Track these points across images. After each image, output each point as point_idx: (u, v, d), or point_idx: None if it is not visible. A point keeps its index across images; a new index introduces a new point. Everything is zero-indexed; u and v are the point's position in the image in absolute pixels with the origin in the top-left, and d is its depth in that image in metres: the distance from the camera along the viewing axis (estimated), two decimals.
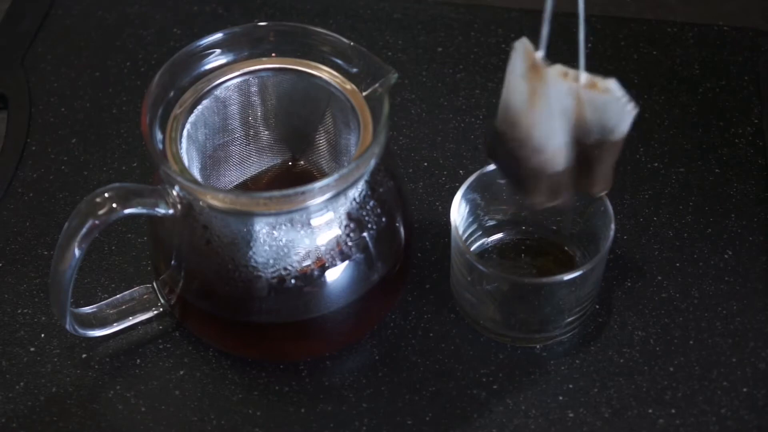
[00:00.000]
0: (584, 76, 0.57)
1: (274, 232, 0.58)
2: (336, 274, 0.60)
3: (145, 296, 0.65)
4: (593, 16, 0.80)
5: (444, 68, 0.77)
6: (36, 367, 0.64)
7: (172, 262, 0.62)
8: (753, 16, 0.82)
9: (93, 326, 0.63)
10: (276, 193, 0.56)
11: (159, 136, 0.59)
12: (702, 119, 0.74)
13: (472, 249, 0.65)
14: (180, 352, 0.64)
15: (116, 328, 0.64)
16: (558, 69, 0.57)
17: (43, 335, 0.65)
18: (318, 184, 0.56)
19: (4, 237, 0.69)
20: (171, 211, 0.58)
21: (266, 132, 0.66)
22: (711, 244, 0.68)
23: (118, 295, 0.65)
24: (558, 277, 0.60)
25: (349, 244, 0.60)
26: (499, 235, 0.67)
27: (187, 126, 0.61)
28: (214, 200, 0.57)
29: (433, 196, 0.70)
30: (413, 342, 0.64)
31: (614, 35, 0.78)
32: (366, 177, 0.59)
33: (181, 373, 0.63)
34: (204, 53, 0.62)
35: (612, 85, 0.57)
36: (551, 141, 0.58)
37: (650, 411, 0.61)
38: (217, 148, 0.64)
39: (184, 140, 0.60)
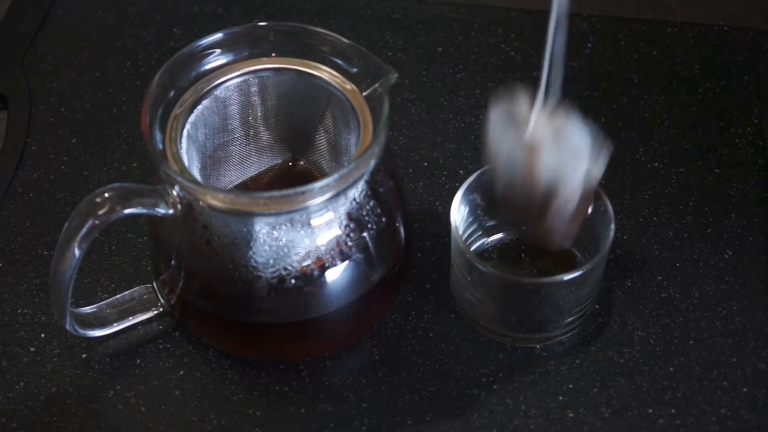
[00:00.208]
0: (548, 111, 0.58)
1: (274, 232, 0.58)
2: (336, 274, 0.60)
3: (145, 296, 0.65)
4: (593, 16, 0.80)
5: (444, 68, 0.77)
6: (36, 367, 0.64)
7: (172, 262, 0.62)
8: (753, 16, 0.82)
9: (93, 326, 0.63)
10: (276, 193, 0.56)
11: (159, 136, 0.59)
12: (702, 119, 0.74)
13: (472, 249, 0.65)
14: (180, 352, 0.64)
15: (116, 328, 0.64)
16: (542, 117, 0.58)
17: (43, 335, 0.65)
18: (318, 184, 0.56)
19: (4, 237, 0.69)
20: (171, 211, 0.58)
21: (266, 132, 0.66)
22: (711, 244, 0.68)
23: (118, 295, 0.65)
24: (558, 277, 0.60)
25: (349, 244, 0.60)
26: (499, 235, 0.67)
27: (187, 126, 0.61)
28: (214, 200, 0.57)
29: (433, 196, 0.70)
30: (413, 342, 0.64)
31: (614, 35, 0.78)
32: (366, 177, 0.59)
33: (181, 373, 0.63)
34: (204, 53, 0.61)
35: (572, 116, 0.58)
36: (565, 184, 0.58)
37: (650, 411, 0.61)
38: (217, 148, 0.64)
39: (184, 140, 0.60)
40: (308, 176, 0.66)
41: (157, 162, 0.57)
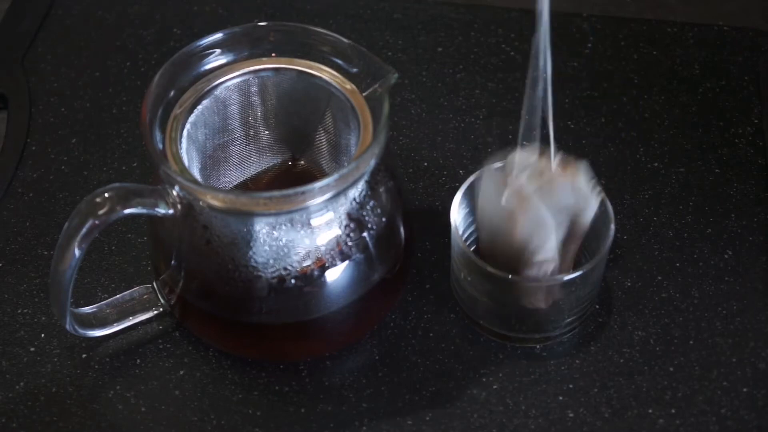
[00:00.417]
0: (557, 158, 0.59)
1: (274, 232, 0.58)
2: (336, 274, 0.60)
3: (145, 296, 0.65)
4: (593, 16, 0.80)
5: (444, 68, 0.77)
6: (36, 367, 0.64)
7: (172, 262, 0.62)
8: (753, 16, 0.82)
9: (93, 326, 0.63)
10: (276, 193, 0.56)
11: (159, 136, 0.59)
12: (702, 119, 0.74)
13: (472, 249, 0.65)
14: (180, 352, 0.64)
15: (116, 328, 0.64)
16: (533, 148, 0.59)
17: (43, 335, 0.65)
18: (318, 184, 0.56)
19: (4, 237, 0.69)
20: (171, 211, 0.58)
21: (266, 132, 0.66)
22: (711, 244, 0.68)
23: (118, 295, 0.65)
24: (558, 277, 0.60)
25: (349, 244, 0.60)
26: None
27: (187, 126, 0.61)
28: (214, 200, 0.57)
29: (433, 196, 0.70)
30: (413, 342, 0.64)
31: (614, 35, 0.78)
32: (366, 177, 0.59)
33: (181, 373, 0.63)
34: (204, 53, 0.62)
35: (582, 169, 0.59)
36: (544, 249, 0.60)
37: (650, 411, 0.61)
38: (217, 148, 0.64)
39: (184, 140, 0.60)
40: (308, 176, 0.66)
41: (157, 162, 0.57)
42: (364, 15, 0.81)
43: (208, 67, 0.62)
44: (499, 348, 0.64)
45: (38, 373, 0.63)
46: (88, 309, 0.64)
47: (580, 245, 0.63)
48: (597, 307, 0.65)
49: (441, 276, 0.67)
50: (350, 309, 0.62)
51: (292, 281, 0.59)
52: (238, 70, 0.62)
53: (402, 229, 0.63)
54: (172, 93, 0.61)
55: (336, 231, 0.59)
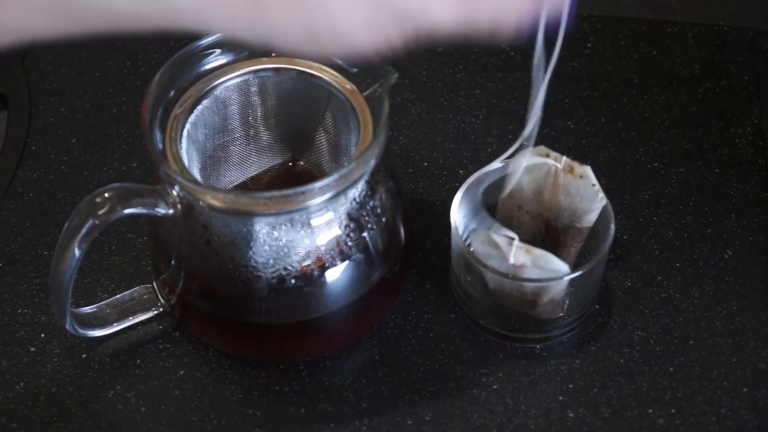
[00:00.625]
0: (563, 160, 0.60)
1: (274, 232, 0.58)
2: (336, 274, 0.60)
3: (145, 296, 0.65)
4: (593, 16, 0.80)
5: (444, 68, 0.77)
6: (36, 367, 0.64)
7: (172, 262, 0.62)
8: (753, 16, 0.82)
9: (93, 326, 0.63)
10: (276, 193, 0.56)
11: (159, 136, 0.59)
12: (702, 119, 0.74)
13: (472, 249, 0.65)
14: (180, 352, 0.64)
15: (116, 328, 0.64)
16: (540, 150, 0.60)
17: (43, 335, 0.65)
18: (318, 184, 0.56)
19: (4, 237, 0.69)
20: (171, 211, 0.58)
21: (266, 132, 0.66)
22: (711, 244, 0.68)
23: (118, 295, 0.65)
24: (558, 277, 0.60)
25: (349, 244, 0.60)
26: None
27: (187, 126, 0.61)
28: (214, 200, 0.57)
29: (433, 196, 0.70)
30: (413, 342, 0.64)
31: (614, 35, 0.78)
32: (366, 177, 0.59)
33: (181, 373, 0.63)
34: (204, 53, 0.62)
35: (588, 171, 0.60)
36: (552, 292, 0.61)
37: (650, 411, 0.61)
38: (217, 148, 0.64)
39: (184, 140, 0.60)
40: (308, 176, 0.66)
41: (157, 162, 0.57)
42: None
43: (208, 67, 0.62)
44: (499, 348, 0.64)
45: (38, 373, 0.63)
46: (88, 309, 0.64)
47: (581, 246, 0.63)
48: (597, 307, 0.65)
49: (441, 276, 0.67)
50: (350, 309, 0.62)
51: (292, 281, 0.59)
52: (238, 70, 0.62)
53: (402, 229, 0.63)
54: (172, 93, 0.61)
55: (336, 231, 0.59)
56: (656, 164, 0.72)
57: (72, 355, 0.64)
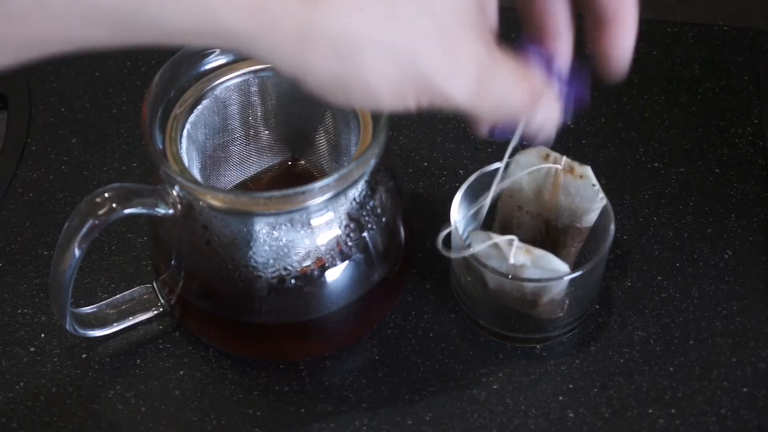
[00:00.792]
0: (563, 160, 0.60)
1: (274, 232, 0.58)
2: (336, 274, 0.60)
3: (145, 296, 0.65)
4: None
5: None
6: (36, 367, 0.64)
7: (172, 262, 0.62)
8: (753, 16, 0.82)
9: (93, 326, 0.63)
10: (276, 193, 0.56)
11: (159, 136, 0.59)
12: (702, 119, 0.74)
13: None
14: (180, 352, 0.64)
15: (116, 328, 0.64)
16: (540, 150, 0.61)
17: (43, 335, 0.65)
18: (318, 184, 0.56)
19: (4, 237, 0.69)
20: (171, 211, 0.58)
21: (266, 132, 0.66)
22: (711, 244, 0.68)
23: (118, 295, 0.65)
24: (558, 277, 0.60)
25: (349, 244, 0.60)
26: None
27: (187, 126, 0.61)
28: (214, 200, 0.57)
29: (433, 196, 0.70)
30: (413, 342, 0.64)
31: None
32: (366, 177, 0.59)
33: (181, 373, 0.63)
34: (204, 53, 0.61)
35: (588, 171, 0.61)
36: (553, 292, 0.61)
37: (650, 411, 0.61)
38: (217, 148, 0.64)
39: (184, 140, 0.60)
40: (308, 176, 0.66)
41: (157, 162, 0.57)
42: None
43: (208, 67, 0.62)
44: (499, 348, 0.64)
45: (38, 373, 0.63)
46: (88, 309, 0.64)
47: (581, 246, 0.63)
48: (597, 307, 0.65)
49: (441, 276, 0.67)
50: (350, 309, 0.62)
51: (292, 281, 0.59)
52: (238, 70, 0.62)
53: (402, 229, 0.63)
54: (172, 93, 0.61)
55: (336, 231, 0.59)
56: (656, 164, 0.72)
57: (72, 355, 0.64)
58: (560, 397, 0.62)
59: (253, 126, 0.65)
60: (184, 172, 0.58)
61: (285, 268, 0.59)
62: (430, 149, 0.73)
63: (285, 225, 0.58)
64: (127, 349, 0.64)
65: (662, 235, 0.68)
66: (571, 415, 0.61)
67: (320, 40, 0.43)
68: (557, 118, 0.51)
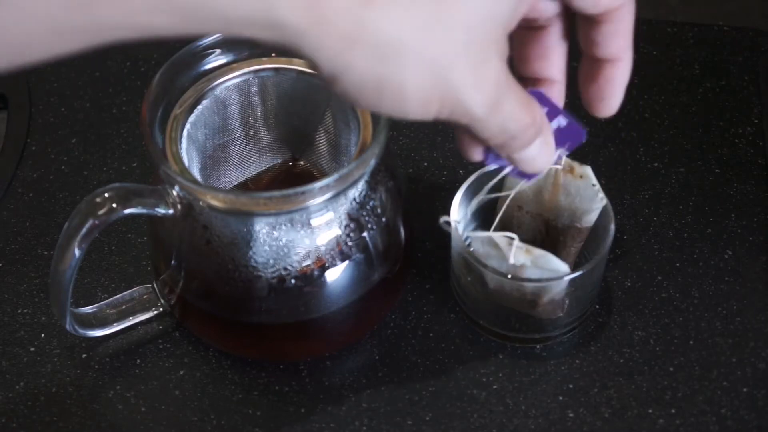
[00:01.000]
0: (564, 160, 0.60)
1: (274, 232, 0.58)
2: (336, 274, 0.60)
3: (145, 296, 0.65)
4: None
5: None
6: (36, 367, 0.64)
7: (172, 262, 0.62)
8: (753, 16, 0.82)
9: (93, 326, 0.63)
10: (276, 193, 0.56)
11: (159, 136, 0.59)
12: (702, 119, 0.74)
13: (471, 249, 0.65)
14: (180, 352, 0.64)
15: (116, 328, 0.64)
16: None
17: (43, 335, 0.65)
18: (318, 184, 0.56)
19: (4, 237, 0.69)
20: (171, 211, 0.58)
21: (266, 132, 0.66)
22: (711, 244, 0.68)
23: (118, 295, 0.65)
24: (558, 277, 0.60)
25: (349, 244, 0.60)
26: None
27: (187, 126, 0.61)
28: (214, 200, 0.57)
29: (433, 196, 0.70)
30: (413, 342, 0.64)
31: None
32: (366, 177, 0.59)
33: (181, 373, 0.63)
34: (204, 53, 0.62)
35: (588, 171, 0.61)
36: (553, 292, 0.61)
37: (650, 411, 0.61)
38: (217, 148, 0.64)
39: (184, 140, 0.60)
40: (308, 176, 0.66)
41: (157, 162, 0.57)
42: None
43: (208, 67, 0.62)
44: (499, 348, 0.64)
45: (38, 373, 0.63)
46: (88, 309, 0.64)
47: (581, 246, 0.63)
48: (597, 307, 0.65)
49: (441, 276, 0.67)
50: (350, 309, 0.62)
51: (292, 281, 0.59)
52: (238, 70, 0.62)
53: (402, 229, 0.63)
54: (172, 93, 0.61)
55: (336, 231, 0.59)
56: (656, 164, 0.72)
57: (72, 355, 0.64)
58: (560, 397, 0.62)
59: (253, 126, 0.65)
60: (184, 172, 0.58)
61: (285, 268, 0.59)
62: (430, 149, 0.73)
63: (285, 225, 0.58)
64: (127, 349, 0.64)
65: (662, 235, 0.68)
66: (571, 415, 0.61)
67: (367, 42, 0.44)
68: (551, 154, 0.53)
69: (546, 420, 0.61)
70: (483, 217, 0.65)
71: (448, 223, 0.61)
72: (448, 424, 0.61)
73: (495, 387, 0.63)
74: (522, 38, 0.53)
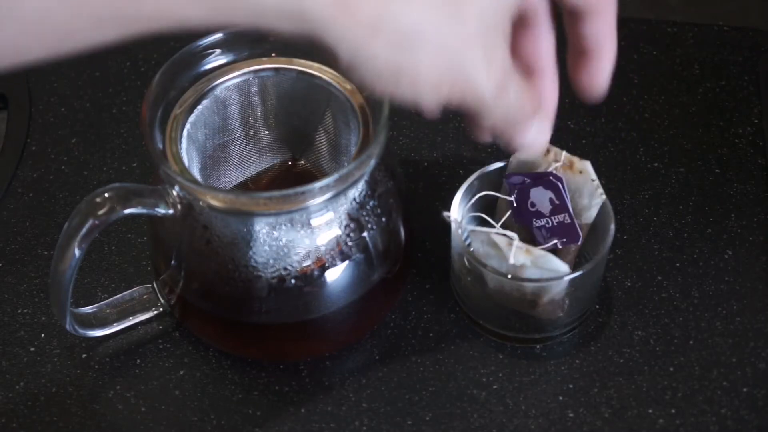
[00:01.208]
0: (563, 156, 0.61)
1: (274, 232, 0.58)
2: (336, 274, 0.60)
3: (145, 296, 0.65)
4: None
5: None
6: (36, 367, 0.64)
7: (172, 262, 0.62)
8: (753, 16, 0.82)
9: (93, 326, 0.63)
10: (276, 193, 0.56)
11: (159, 136, 0.59)
12: (702, 119, 0.74)
13: (471, 249, 0.65)
14: (180, 352, 0.64)
15: (116, 328, 0.64)
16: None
17: (43, 335, 0.65)
18: (318, 184, 0.56)
19: (4, 237, 0.69)
20: (171, 211, 0.58)
21: (266, 132, 0.66)
22: (711, 244, 0.68)
23: (118, 295, 0.65)
24: (558, 277, 0.60)
25: (349, 244, 0.60)
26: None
27: (187, 126, 0.61)
28: (214, 200, 0.57)
29: (433, 196, 0.70)
30: (413, 342, 0.64)
31: None
32: (366, 177, 0.59)
33: (181, 373, 0.63)
34: (204, 53, 0.62)
35: (587, 167, 0.61)
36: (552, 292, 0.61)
37: (650, 411, 0.61)
38: (217, 148, 0.64)
39: (184, 140, 0.60)
40: (308, 176, 0.66)
41: (157, 162, 0.57)
42: None
43: (208, 67, 0.62)
44: (499, 348, 0.64)
45: (38, 373, 0.63)
46: (88, 309, 0.64)
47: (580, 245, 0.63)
48: (597, 307, 0.65)
49: (441, 276, 0.67)
50: (350, 309, 0.62)
51: (292, 281, 0.59)
52: (238, 70, 0.62)
53: (402, 229, 0.63)
54: (172, 93, 0.61)
55: (336, 231, 0.59)
56: (656, 164, 0.72)
57: (72, 355, 0.64)
58: (560, 397, 0.62)
59: (253, 126, 0.65)
60: (184, 172, 0.58)
61: (285, 268, 0.59)
62: (430, 149, 0.73)
63: (285, 225, 0.58)
64: (127, 349, 0.64)
65: (662, 235, 0.68)
66: (571, 415, 0.61)
67: (390, 30, 0.46)
68: (547, 134, 0.55)
69: (546, 420, 0.61)
70: (483, 218, 0.65)
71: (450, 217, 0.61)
72: (448, 424, 0.61)
73: (495, 387, 0.62)
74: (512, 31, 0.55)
